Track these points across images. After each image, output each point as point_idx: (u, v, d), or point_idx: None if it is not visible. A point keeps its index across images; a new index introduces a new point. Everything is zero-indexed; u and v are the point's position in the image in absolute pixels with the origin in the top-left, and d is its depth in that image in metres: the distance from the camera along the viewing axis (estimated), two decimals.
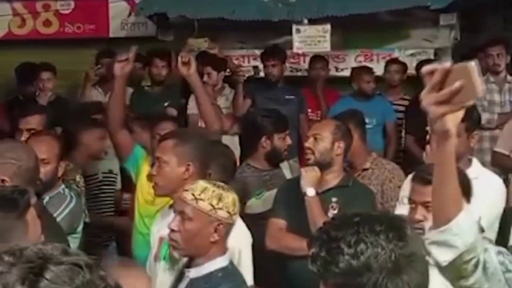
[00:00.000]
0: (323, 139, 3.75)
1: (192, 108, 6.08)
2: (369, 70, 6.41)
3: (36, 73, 6.49)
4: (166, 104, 6.13)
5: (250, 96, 6.22)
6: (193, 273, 2.63)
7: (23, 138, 3.92)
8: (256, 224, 3.60)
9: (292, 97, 6.23)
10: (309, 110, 6.41)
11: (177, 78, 6.37)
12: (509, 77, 6.00)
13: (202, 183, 2.65)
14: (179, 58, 3.88)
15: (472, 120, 3.31)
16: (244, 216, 3.96)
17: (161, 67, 6.32)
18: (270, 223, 3.79)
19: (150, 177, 3.52)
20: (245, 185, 4.15)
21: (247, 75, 6.31)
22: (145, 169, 3.85)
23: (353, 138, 3.99)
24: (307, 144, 3.79)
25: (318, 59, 6.59)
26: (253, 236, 3.21)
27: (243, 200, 4.01)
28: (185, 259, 2.75)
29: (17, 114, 4.35)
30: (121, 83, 3.85)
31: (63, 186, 3.61)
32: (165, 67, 6.34)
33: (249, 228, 3.22)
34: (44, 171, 3.36)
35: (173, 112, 6.10)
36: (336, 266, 1.44)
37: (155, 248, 3.18)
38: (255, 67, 6.67)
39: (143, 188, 3.82)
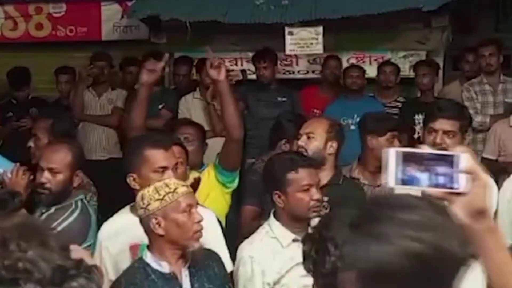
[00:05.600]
0: (316, 138, 3.70)
1: (183, 113, 6.07)
2: (356, 67, 6.43)
3: (28, 77, 6.49)
4: (160, 106, 6.11)
5: (242, 99, 6.18)
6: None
7: (31, 144, 3.88)
8: None
9: (284, 99, 6.16)
10: (315, 110, 6.21)
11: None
12: (503, 78, 6.01)
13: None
14: (208, 63, 3.73)
15: (465, 119, 3.30)
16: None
17: None
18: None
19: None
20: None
21: (235, 79, 6.25)
22: None
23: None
24: (300, 142, 3.72)
25: (332, 58, 6.53)
26: None
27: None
28: None
29: (11, 117, 4.24)
30: (144, 91, 3.84)
31: (79, 197, 3.41)
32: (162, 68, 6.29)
33: None
34: (55, 181, 3.31)
35: (167, 114, 6.08)
36: (323, 267, 1.44)
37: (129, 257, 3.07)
38: (243, 71, 6.63)
39: None
